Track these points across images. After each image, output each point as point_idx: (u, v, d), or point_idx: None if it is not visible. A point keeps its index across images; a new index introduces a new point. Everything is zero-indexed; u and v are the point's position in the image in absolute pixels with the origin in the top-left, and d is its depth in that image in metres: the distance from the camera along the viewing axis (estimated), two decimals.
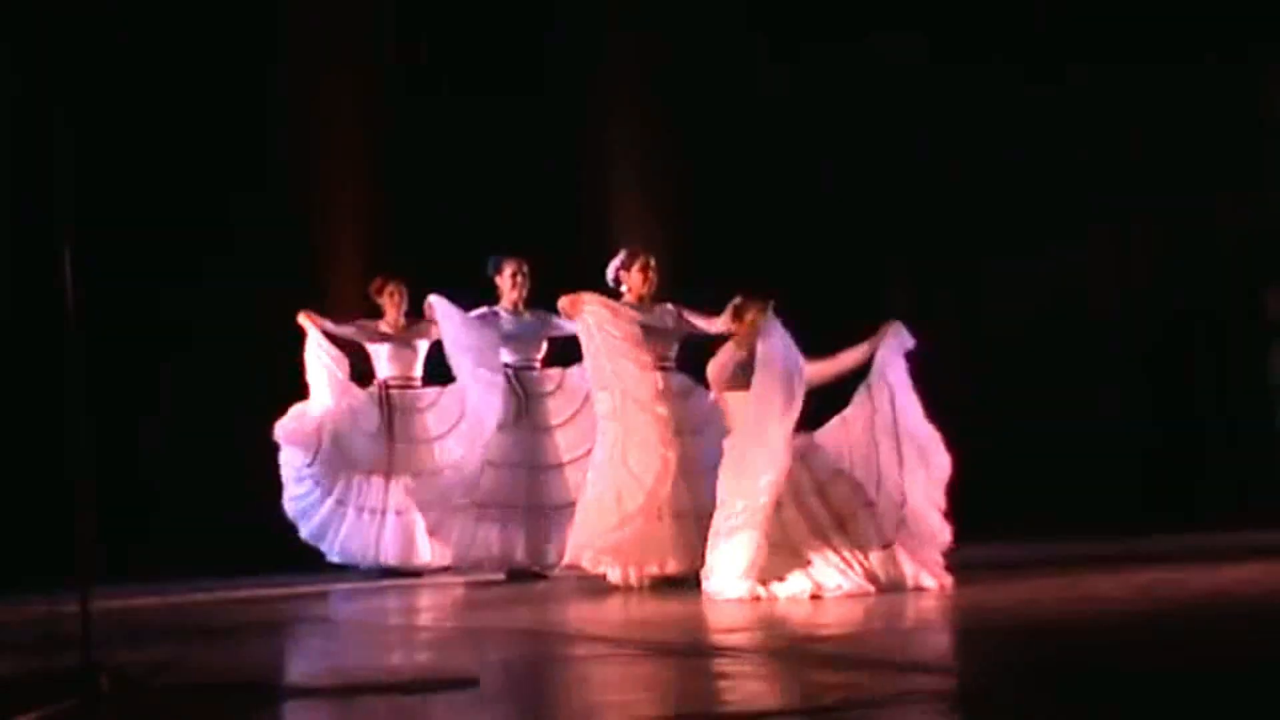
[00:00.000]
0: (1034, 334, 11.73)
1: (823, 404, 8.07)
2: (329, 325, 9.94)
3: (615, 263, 8.91)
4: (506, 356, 9.48)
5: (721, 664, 5.57)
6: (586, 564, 8.32)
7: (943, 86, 11.74)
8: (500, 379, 9.33)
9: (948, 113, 11.76)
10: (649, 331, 8.63)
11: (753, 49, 11.65)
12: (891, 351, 7.87)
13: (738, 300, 8.01)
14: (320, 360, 9.88)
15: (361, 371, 10.07)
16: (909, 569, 7.49)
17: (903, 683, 4.94)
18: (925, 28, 11.76)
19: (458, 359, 9.42)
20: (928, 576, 7.48)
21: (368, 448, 9.89)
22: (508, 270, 9.59)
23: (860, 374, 7.98)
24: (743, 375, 7.79)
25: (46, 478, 6.02)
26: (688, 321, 8.76)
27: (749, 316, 7.91)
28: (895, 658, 5.57)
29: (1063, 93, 11.70)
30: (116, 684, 4.99)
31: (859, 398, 7.91)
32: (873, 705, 4.55)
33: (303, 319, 9.86)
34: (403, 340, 10.06)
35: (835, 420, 7.98)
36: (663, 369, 8.64)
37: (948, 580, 7.48)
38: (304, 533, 9.88)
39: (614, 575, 8.24)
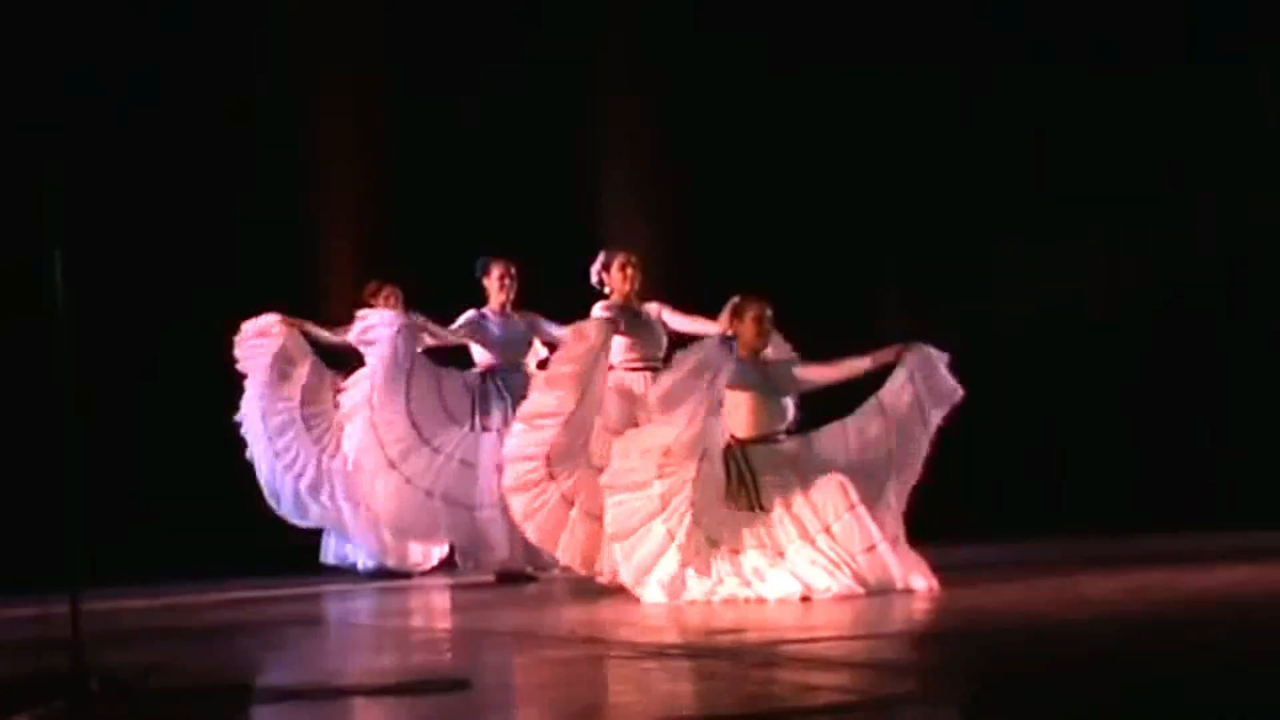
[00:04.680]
0: (1033, 334, 11.71)
1: (823, 410, 8.08)
2: (324, 334, 9.85)
3: (596, 265, 8.94)
4: (494, 359, 9.45)
5: (714, 665, 5.55)
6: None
7: (941, 86, 11.72)
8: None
9: (947, 112, 11.74)
10: (634, 331, 8.70)
11: (751, 48, 11.63)
12: (926, 375, 7.82)
13: (736, 300, 7.99)
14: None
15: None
16: (897, 571, 7.47)
17: (894, 685, 4.93)
18: (925, 28, 11.77)
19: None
20: (918, 578, 7.47)
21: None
22: (495, 272, 9.53)
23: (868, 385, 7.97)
24: (739, 376, 7.78)
25: (37, 479, 5.99)
26: (664, 323, 8.79)
27: (748, 316, 7.90)
28: (887, 659, 5.56)
29: (1061, 93, 11.69)
30: (106, 686, 4.98)
31: (869, 409, 7.88)
32: (865, 707, 4.54)
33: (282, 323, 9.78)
34: None
35: (834, 425, 7.95)
36: (649, 369, 8.64)
37: (936, 582, 7.46)
38: (311, 519, 9.82)
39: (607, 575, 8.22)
